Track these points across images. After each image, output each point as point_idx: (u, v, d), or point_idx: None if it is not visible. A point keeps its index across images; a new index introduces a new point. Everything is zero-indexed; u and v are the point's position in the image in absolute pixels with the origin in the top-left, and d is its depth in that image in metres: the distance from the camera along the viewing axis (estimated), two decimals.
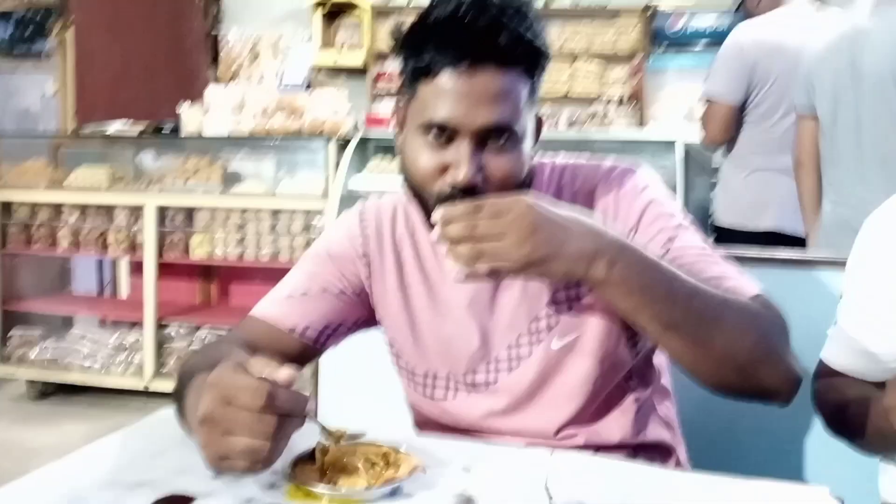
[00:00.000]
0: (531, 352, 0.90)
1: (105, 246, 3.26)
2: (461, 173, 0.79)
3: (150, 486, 0.70)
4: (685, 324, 0.76)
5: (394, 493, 0.69)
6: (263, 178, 3.18)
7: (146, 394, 3.10)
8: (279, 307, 0.93)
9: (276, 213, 3.06)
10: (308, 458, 0.73)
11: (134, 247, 3.21)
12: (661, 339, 0.79)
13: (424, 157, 0.82)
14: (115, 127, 3.35)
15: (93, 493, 0.70)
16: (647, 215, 0.88)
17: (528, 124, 0.85)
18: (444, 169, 0.81)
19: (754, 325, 0.78)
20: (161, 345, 3.15)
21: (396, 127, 0.91)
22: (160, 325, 3.15)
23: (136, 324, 3.19)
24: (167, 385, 3.03)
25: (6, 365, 3.29)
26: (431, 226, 0.76)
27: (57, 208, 3.29)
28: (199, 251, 3.14)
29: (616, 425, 0.92)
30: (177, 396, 0.81)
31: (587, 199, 0.90)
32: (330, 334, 0.94)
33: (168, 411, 0.87)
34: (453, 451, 0.79)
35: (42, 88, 4.55)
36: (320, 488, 0.68)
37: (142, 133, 3.33)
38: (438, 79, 0.80)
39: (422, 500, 0.69)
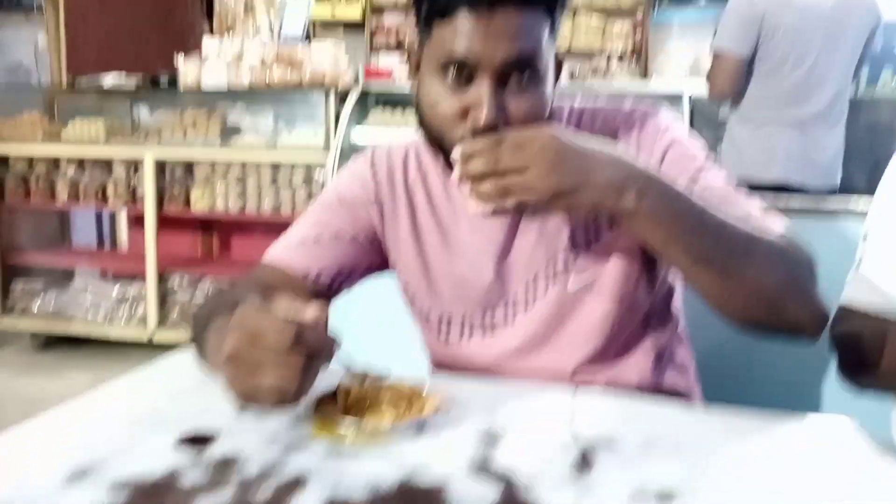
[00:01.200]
0: (548, 292, 0.90)
1: (104, 199, 3.23)
2: (482, 114, 0.77)
3: (171, 424, 0.70)
4: (715, 256, 0.75)
5: (419, 429, 0.69)
6: (263, 132, 3.14)
7: (150, 346, 3.11)
8: (291, 253, 0.92)
9: (276, 167, 3.04)
10: (331, 398, 0.73)
11: (134, 199, 3.18)
12: (690, 272, 0.77)
13: (443, 100, 0.79)
14: (110, 80, 3.30)
15: (114, 431, 0.69)
16: (669, 157, 0.87)
17: (549, 63, 0.82)
18: (463, 113, 0.79)
19: (783, 260, 0.78)
20: (163, 297, 3.15)
21: (411, 72, 0.88)
22: (162, 278, 3.14)
23: (137, 276, 3.18)
24: (171, 336, 3.04)
25: (9, 317, 3.29)
26: (451, 168, 0.75)
27: (54, 161, 3.26)
28: (199, 204, 3.11)
29: (634, 369, 0.92)
30: (196, 338, 0.81)
31: (608, 139, 0.89)
32: (343, 280, 0.94)
33: (182, 355, 0.87)
34: (476, 391, 0.79)
35: (34, 41, 4.46)
36: (346, 424, 0.68)
37: (138, 87, 3.28)
38: (455, 19, 0.76)
39: (447, 437, 0.69)
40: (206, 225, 3.38)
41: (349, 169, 0.99)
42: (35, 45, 4.51)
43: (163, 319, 3.14)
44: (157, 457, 0.63)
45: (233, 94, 3.17)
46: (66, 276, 3.38)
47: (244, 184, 3.07)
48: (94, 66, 3.51)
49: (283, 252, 0.93)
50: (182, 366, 0.85)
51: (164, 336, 3.07)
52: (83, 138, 3.22)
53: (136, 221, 3.27)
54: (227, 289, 0.92)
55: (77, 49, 3.81)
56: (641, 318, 0.93)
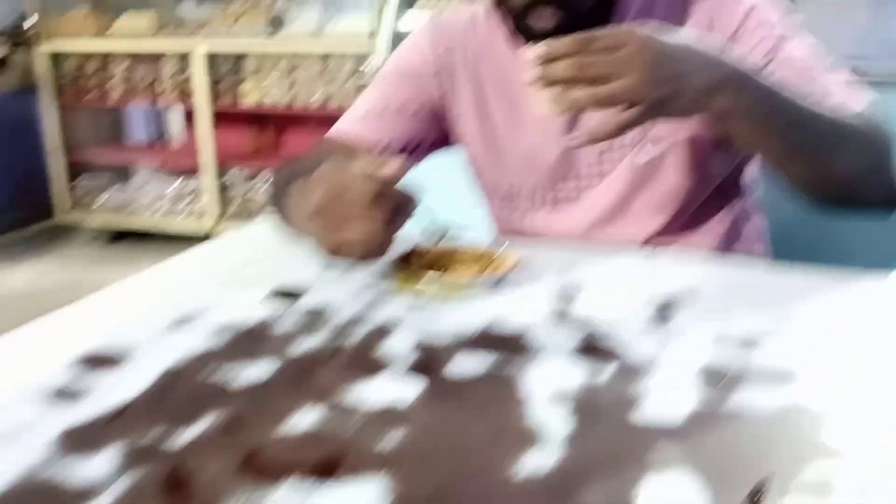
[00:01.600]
0: (618, 164, 0.89)
1: (157, 94, 3.25)
2: None
3: (260, 282, 0.73)
4: (804, 151, 0.74)
5: (497, 285, 0.71)
6: (309, 21, 3.09)
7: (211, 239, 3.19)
8: (358, 126, 0.93)
9: (325, 59, 3.00)
10: (410, 256, 0.75)
11: (186, 95, 3.20)
12: (780, 165, 0.77)
13: None
14: None
15: (207, 288, 0.73)
16: (749, 24, 0.83)
17: None
18: None
19: (866, 145, 0.77)
20: (221, 191, 3.21)
21: None
22: (219, 172, 3.20)
23: (195, 171, 3.24)
24: (231, 229, 3.13)
25: (77, 212, 3.41)
26: (518, 34, 0.72)
27: (105, 58, 3.27)
28: (250, 98, 3.12)
29: (705, 240, 0.92)
30: (276, 201, 0.83)
31: (683, 6, 0.85)
32: (410, 153, 0.94)
33: (265, 220, 0.90)
34: (550, 254, 0.80)
35: None
36: (426, 279, 0.70)
37: None
38: None
39: (525, 292, 0.70)
40: (260, 119, 3.39)
41: (410, 40, 0.98)
42: None
43: (222, 213, 3.22)
44: (250, 308, 0.67)
45: None
46: (126, 172, 3.46)
47: (293, 76, 3.05)
48: None
49: (349, 126, 0.93)
50: (266, 230, 0.88)
51: (223, 229, 3.16)
52: (133, 32, 3.21)
53: (190, 116, 3.30)
54: (299, 159, 0.94)
55: None
56: (713, 189, 0.91)
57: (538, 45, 0.66)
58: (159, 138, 3.72)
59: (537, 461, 0.44)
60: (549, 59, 0.65)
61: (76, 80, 3.31)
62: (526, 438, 0.47)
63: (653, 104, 0.65)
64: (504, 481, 0.42)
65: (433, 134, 0.96)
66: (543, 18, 0.78)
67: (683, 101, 0.67)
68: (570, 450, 0.45)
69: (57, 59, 3.30)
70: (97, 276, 2.98)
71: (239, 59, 3.11)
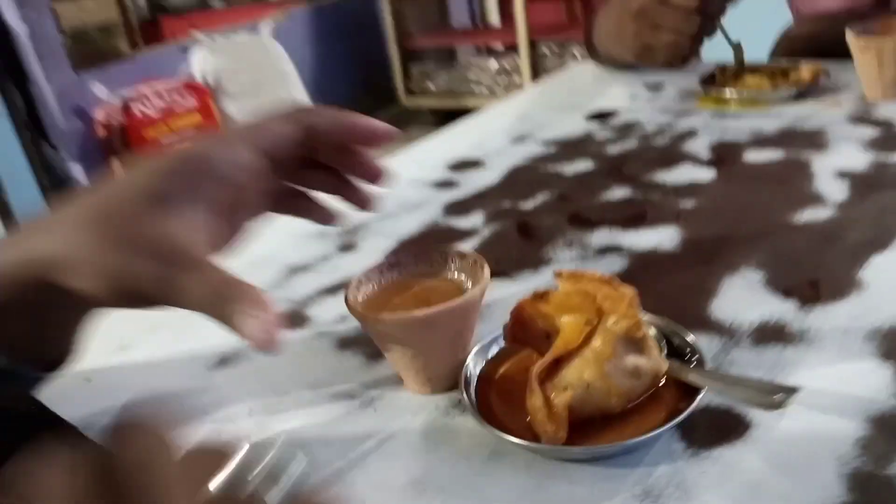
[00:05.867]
0: None
1: None
2: None
3: (582, 106, 0.86)
4: None
5: (798, 95, 0.76)
6: None
7: None
8: None
9: None
10: (711, 75, 0.82)
11: None
12: None
13: None
14: None
15: (540, 113, 0.88)
16: None
17: None
18: None
19: None
20: (535, 64, 3.39)
21: None
22: (533, 47, 3.36)
23: (511, 48, 3.44)
24: None
25: (412, 97, 3.86)
26: None
27: None
28: None
29: None
30: (587, 37, 0.95)
31: None
32: None
33: (580, 65, 1.03)
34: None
35: None
36: (728, 92, 0.78)
37: None
38: None
39: (827, 98, 0.74)
40: None
41: None
42: None
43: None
44: (573, 127, 0.81)
45: None
46: (449, 55, 3.79)
47: None
48: None
49: None
50: (581, 70, 1.01)
51: None
52: None
53: None
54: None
55: None
56: None
57: None
58: (476, 20, 3.98)
59: (816, 214, 0.53)
60: None
61: None
62: (808, 199, 0.55)
63: None
64: (783, 225, 0.52)
65: None
66: None
67: None
68: (843, 208, 0.53)
69: None
70: None
71: None
